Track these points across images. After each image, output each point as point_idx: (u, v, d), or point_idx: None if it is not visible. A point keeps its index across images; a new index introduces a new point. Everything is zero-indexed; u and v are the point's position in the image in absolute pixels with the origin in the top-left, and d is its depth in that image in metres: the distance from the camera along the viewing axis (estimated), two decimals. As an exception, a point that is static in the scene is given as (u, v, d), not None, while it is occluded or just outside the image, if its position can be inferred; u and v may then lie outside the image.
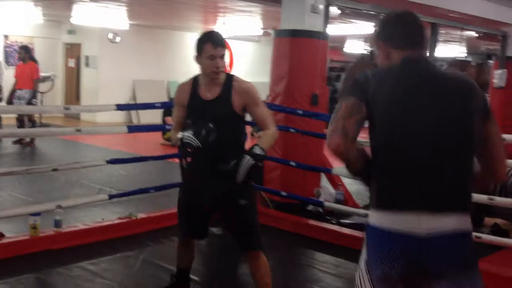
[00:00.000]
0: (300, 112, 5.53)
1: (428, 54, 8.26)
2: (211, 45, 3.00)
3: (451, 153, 1.83)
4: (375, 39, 2.08)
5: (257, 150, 2.90)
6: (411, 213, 1.77)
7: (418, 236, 1.74)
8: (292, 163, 5.47)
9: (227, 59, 18.05)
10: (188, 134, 2.89)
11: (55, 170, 4.86)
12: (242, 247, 3.22)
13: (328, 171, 5.83)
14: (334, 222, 5.35)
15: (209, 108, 3.02)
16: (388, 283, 1.81)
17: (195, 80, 3.17)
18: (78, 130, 5.03)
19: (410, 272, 1.78)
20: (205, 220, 3.30)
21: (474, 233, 4.25)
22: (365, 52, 8.06)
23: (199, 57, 3.06)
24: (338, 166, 8.13)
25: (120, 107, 5.18)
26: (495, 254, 4.65)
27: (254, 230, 3.17)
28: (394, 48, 2.00)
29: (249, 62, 16.77)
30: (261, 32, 13.32)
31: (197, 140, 2.87)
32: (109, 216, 5.16)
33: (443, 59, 13.30)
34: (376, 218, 1.85)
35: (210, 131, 2.89)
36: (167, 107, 8.65)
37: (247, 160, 2.86)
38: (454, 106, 1.87)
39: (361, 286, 1.90)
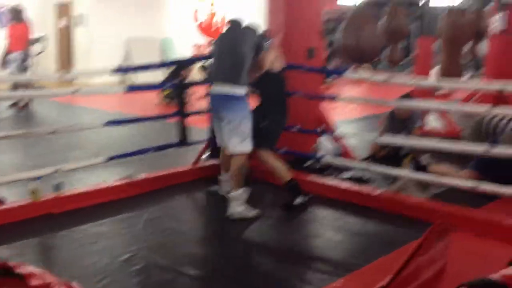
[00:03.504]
0: (298, 66, 5.47)
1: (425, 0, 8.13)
2: None
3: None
4: None
5: None
6: (214, 85, 4.41)
7: (213, 94, 4.41)
8: (295, 129, 5.47)
9: (221, 13, 17.71)
10: None
11: (52, 133, 4.84)
12: None
13: (329, 134, 5.84)
14: (333, 176, 5.38)
15: None
16: (212, 111, 4.58)
17: None
18: (75, 91, 4.96)
19: (213, 107, 4.49)
20: None
21: (472, 183, 4.28)
22: (363, 1, 7.90)
23: None
24: (337, 121, 8.12)
25: (116, 71, 5.10)
26: (493, 203, 4.70)
27: None
28: None
29: (244, 16, 16.48)
30: (254, -16, 13.07)
31: None
32: (109, 178, 5.17)
33: (442, 5, 13.07)
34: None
35: None
36: (164, 67, 8.51)
37: None
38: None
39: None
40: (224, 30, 4.71)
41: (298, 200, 4.47)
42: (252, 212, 4.33)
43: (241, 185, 4.36)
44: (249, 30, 4.52)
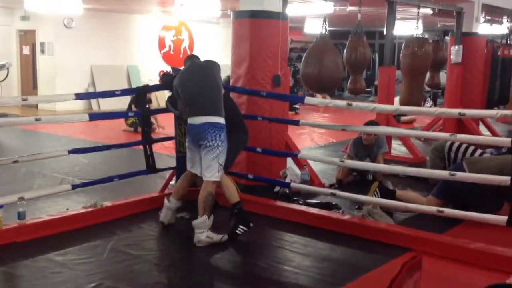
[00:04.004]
0: (264, 93, 5.54)
1: (386, 32, 8.35)
2: None
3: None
4: None
5: None
6: (194, 117, 4.45)
7: (195, 125, 4.44)
8: (258, 150, 5.52)
9: (186, 42, 17.81)
10: None
11: (16, 162, 4.74)
12: None
13: (294, 155, 5.89)
14: (301, 202, 5.41)
15: None
16: (191, 140, 4.54)
17: None
18: (38, 120, 4.87)
19: (193, 137, 4.49)
20: None
21: (437, 208, 4.38)
22: (324, 32, 8.07)
23: None
24: (303, 147, 8.21)
25: (79, 96, 5.03)
26: (458, 227, 4.79)
27: None
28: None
29: (209, 44, 16.63)
30: (219, 13, 13.21)
31: None
32: (73, 206, 5.09)
33: (401, 37, 13.46)
34: (188, 120, 4.54)
35: None
36: (128, 94, 8.50)
37: None
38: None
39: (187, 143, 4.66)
40: (186, 66, 4.77)
41: (241, 228, 4.45)
42: (218, 236, 4.31)
43: (207, 213, 4.35)
44: (211, 62, 4.70)
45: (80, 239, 4.36)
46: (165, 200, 4.77)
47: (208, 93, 4.50)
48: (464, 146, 6.13)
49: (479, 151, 6.01)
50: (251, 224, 4.50)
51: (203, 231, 4.31)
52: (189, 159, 4.67)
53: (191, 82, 4.58)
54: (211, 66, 4.66)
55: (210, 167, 4.39)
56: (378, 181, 5.98)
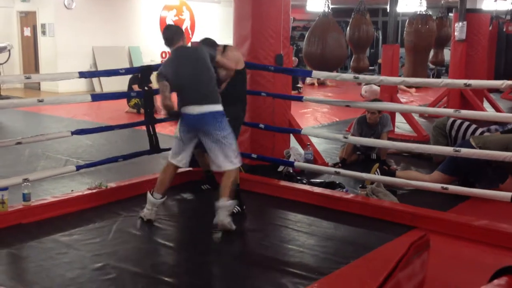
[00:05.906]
0: (272, 68, 5.53)
1: (389, 9, 8.27)
2: None
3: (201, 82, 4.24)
4: None
5: None
6: (190, 106, 4.17)
7: (193, 115, 4.15)
8: (261, 126, 5.50)
9: (188, 21, 17.68)
10: None
11: (19, 143, 4.74)
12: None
13: (297, 132, 5.87)
14: (304, 181, 5.41)
15: None
16: (187, 132, 4.25)
17: None
18: (40, 101, 4.86)
19: (192, 128, 4.22)
20: None
21: (441, 185, 4.39)
22: (327, 9, 8.01)
23: None
24: (306, 126, 8.19)
25: (82, 74, 5.02)
26: (462, 204, 4.80)
27: None
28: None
29: (211, 24, 16.53)
30: (221, -7, 13.11)
31: None
32: (78, 187, 5.10)
33: (405, 14, 13.35)
34: (182, 110, 4.21)
35: None
36: (132, 73, 8.44)
37: None
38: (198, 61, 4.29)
39: (179, 135, 4.30)
40: (183, 49, 4.42)
41: (236, 208, 4.46)
42: (233, 226, 4.20)
43: (232, 196, 4.27)
44: (203, 46, 4.49)
45: (85, 220, 4.37)
46: (148, 195, 4.39)
47: (206, 80, 4.26)
48: (466, 124, 6.12)
49: (480, 130, 6.01)
50: (244, 207, 4.57)
51: (229, 214, 4.19)
52: (176, 152, 4.37)
53: (186, 67, 4.26)
54: (203, 51, 4.36)
55: (228, 155, 4.22)
56: (381, 160, 5.99)
